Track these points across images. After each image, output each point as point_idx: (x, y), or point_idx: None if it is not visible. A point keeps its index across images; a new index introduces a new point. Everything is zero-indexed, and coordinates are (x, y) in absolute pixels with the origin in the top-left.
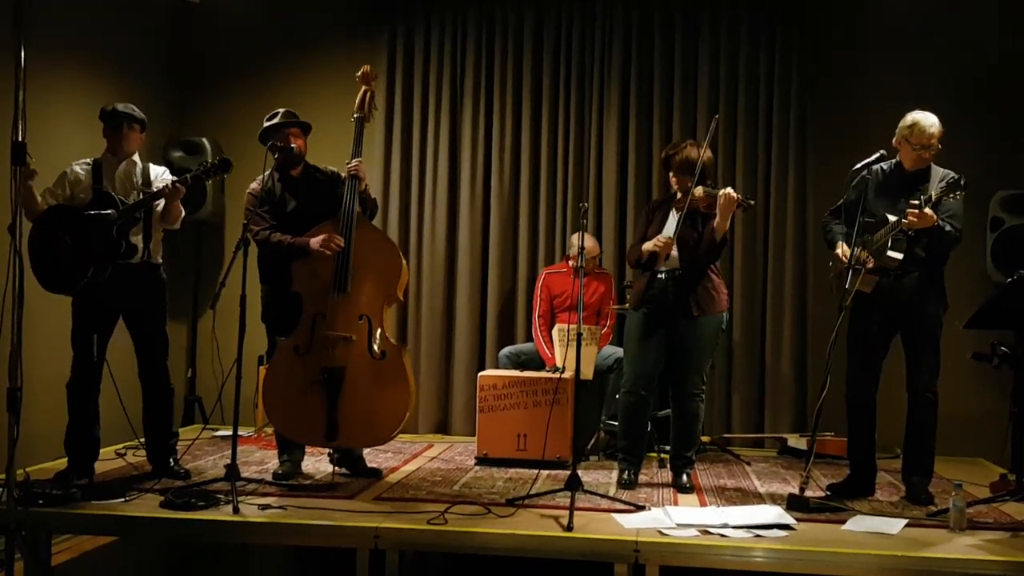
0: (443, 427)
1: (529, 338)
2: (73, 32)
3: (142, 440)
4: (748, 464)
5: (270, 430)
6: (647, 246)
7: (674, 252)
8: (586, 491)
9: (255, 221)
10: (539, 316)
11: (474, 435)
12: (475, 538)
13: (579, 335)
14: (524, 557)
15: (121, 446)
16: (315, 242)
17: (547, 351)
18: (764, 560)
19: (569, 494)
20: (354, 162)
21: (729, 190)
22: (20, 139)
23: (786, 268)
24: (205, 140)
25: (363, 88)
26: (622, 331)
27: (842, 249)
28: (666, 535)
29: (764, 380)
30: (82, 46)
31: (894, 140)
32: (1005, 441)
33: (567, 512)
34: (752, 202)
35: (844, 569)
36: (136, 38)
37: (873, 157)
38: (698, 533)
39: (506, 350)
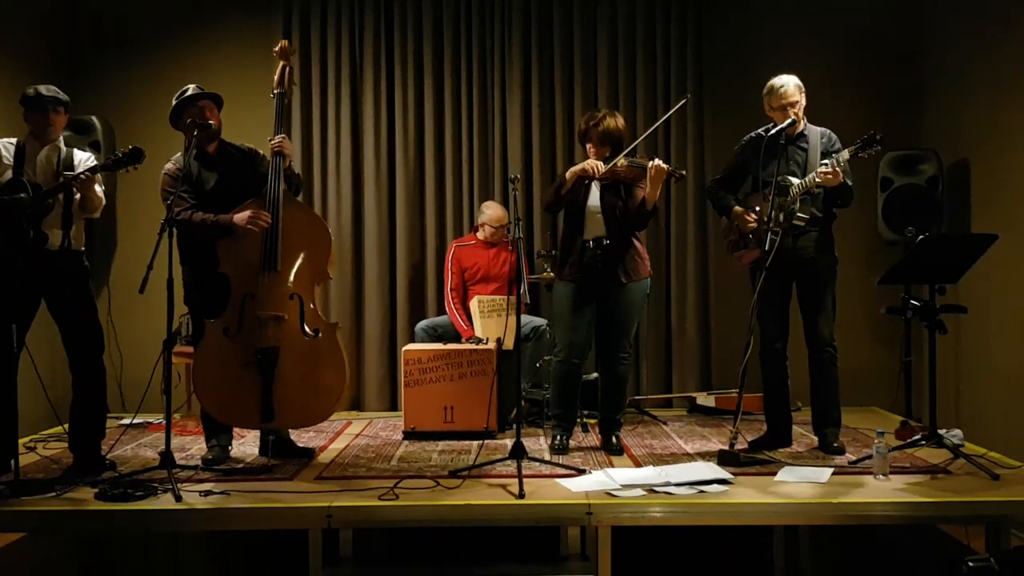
0: (356, 404)
1: (441, 311)
2: None
3: (66, 426)
4: (665, 424)
5: (178, 416)
6: (574, 168)
7: (600, 219)
8: (530, 458)
9: (176, 203)
10: (451, 290)
11: (390, 410)
12: (430, 511)
13: (519, 303)
14: (472, 527)
15: (28, 439)
16: (240, 218)
17: (462, 324)
18: (712, 514)
19: (508, 462)
20: (277, 138)
21: (659, 161)
22: None
23: (688, 232)
24: (95, 119)
25: (281, 63)
26: (536, 300)
27: (746, 212)
28: (615, 496)
29: (671, 342)
30: None
31: (765, 110)
32: (898, 389)
33: (512, 480)
34: (683, 172)
35: (788, 518)
36: (11, 13)
37: (786, 124)
38: (644, 492)
39: (422, 324)
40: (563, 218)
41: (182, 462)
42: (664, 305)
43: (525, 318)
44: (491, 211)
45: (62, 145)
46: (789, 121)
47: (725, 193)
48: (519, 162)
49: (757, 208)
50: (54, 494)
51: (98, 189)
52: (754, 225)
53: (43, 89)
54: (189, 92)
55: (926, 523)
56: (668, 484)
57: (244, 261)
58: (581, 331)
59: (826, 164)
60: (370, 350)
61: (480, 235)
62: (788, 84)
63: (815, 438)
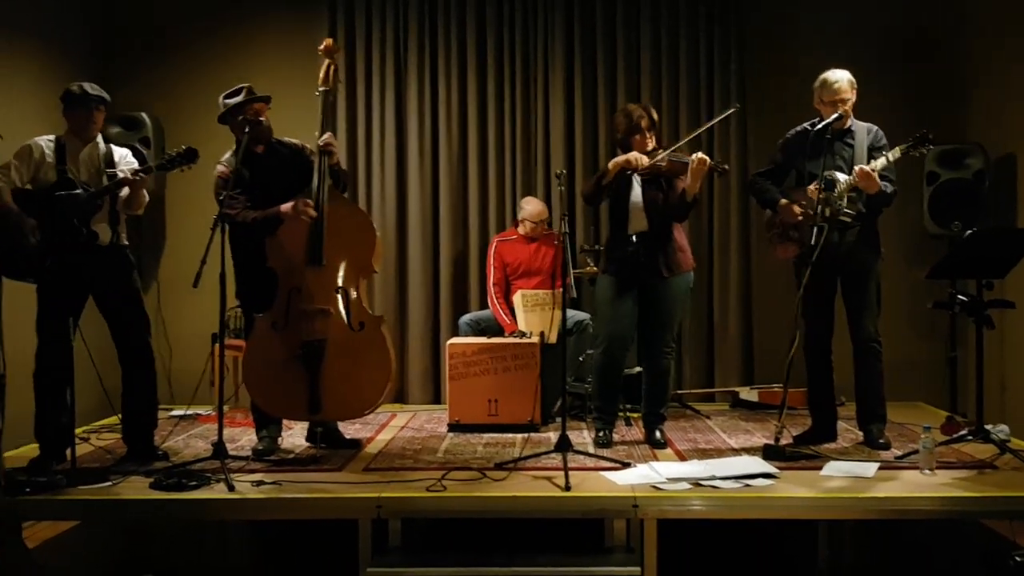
0: (400, 396)
1: (484, 305)
2: None
3: (119, 417)
4: (708, 418)
5: (227, 408)
6: (617, 159)
7: (643, 213)
8: (575, 451)
9: (229, 205)
10: (494, 284)
11: (433, 403)
12: (477, 502)
13: (565, 296)
14: (516, 518)
15: (81, 430)
16: (286, 207)
17: (504, 318)
18: (758, 508)
19: (553, 455)
20: (325, 137)
21: (702, 155)
22: None
23: (730, 227)
24: (144, 115)
25: (326, 61)
26: (579, 294)
27: (792, 204)
28: (661, 489)
29: (713, 336)
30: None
31: (814, 103)
32: (943, 384)
33: (557, 473)
34: (726, 167)
35: (834, 512)
36: (58, 9)
37: (832, 118)
38: (690, 486)
39: (466, 317)
40: (607, 213)
41: (233, 453)
42: (706, 299)
43: (568, 312)
44: (530, 206)
45: (101, 142)
46: (835, 116)
47: (769, 186)
48: (561, 157)
49: (803, 203)
50: (109, 483)
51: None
52: (801, 218)
53: (88, 87)
54: (241, 96)
55: (972, 518)
56: (714, 478)
57: (290, 256)
58: (622, 322)
59: (873, 162)
60: (413, 343)
61: (521, 230)
62: (842, 80)
63: (860, 433)
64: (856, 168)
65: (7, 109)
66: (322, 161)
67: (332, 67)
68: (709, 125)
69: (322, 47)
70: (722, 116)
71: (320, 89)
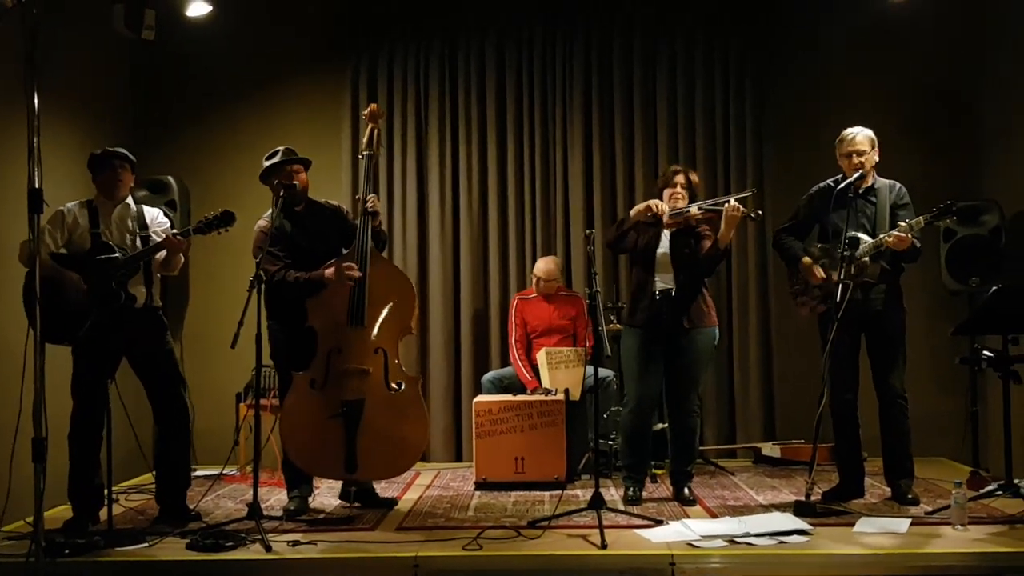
0: (422, 455)
1: (505, 363)
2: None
3: (146, 477)
4: (733, 474)
5: (249, 468)
6: (638, 206)
7: (670, 267)
8: (608, 509)
9: (269, 261)
10: (516, 341)
11: (455, 461)
12: (514, 561)
13: (599, 354)
14: None
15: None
16: (330, 272)
17: (526, 375)
18: (796, 565)
19: (584, 513)
20: (370, 199)
21: (734, 203)
22: (37, 186)
23: (749, 280)
24: (171, 178)
25: (370, 126)
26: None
27: (814, 265)
28: (697, 547)
29: (733, 392)
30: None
31: (837, 159)
32: (964, 439)
33: (591, 530)
34: (759, 212)
35: (873, 568)
36: (94, 76)
37: (854, 177)
38: (725, 543)
39: (489, 375)
40: (633, 266)
41: (263, 512)
42: (726, 354)
43: (591, 369)
44: (541, 264)
45: (132, 203)
46: (857, 175)
47: (793, 242)
48: (581, 215)
49: (825, 261)
50: (146, 544)
51: None
52: (821, 278)
53: (110, 149)
54: (278, 157)
55: (1007, 574)
56: (748, 535)
57: (331, 316)
58: (650, 383)
59: (899, 229)
60: (435, 401)
61: (537, 290)
62: (858, 134)
63: (887, 489)
64: (890, 239)
65: (55, 173)
66: (365, 222)
67: (375, 131)
68: (724, 200)
69: (366, 112)
70: (739, 197)
71: (364, 152)
